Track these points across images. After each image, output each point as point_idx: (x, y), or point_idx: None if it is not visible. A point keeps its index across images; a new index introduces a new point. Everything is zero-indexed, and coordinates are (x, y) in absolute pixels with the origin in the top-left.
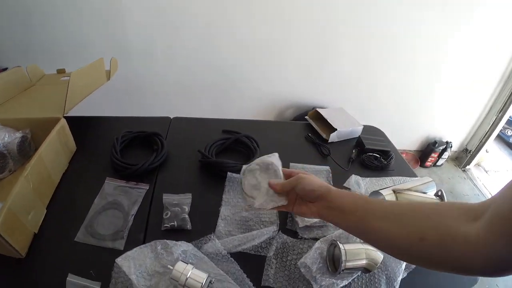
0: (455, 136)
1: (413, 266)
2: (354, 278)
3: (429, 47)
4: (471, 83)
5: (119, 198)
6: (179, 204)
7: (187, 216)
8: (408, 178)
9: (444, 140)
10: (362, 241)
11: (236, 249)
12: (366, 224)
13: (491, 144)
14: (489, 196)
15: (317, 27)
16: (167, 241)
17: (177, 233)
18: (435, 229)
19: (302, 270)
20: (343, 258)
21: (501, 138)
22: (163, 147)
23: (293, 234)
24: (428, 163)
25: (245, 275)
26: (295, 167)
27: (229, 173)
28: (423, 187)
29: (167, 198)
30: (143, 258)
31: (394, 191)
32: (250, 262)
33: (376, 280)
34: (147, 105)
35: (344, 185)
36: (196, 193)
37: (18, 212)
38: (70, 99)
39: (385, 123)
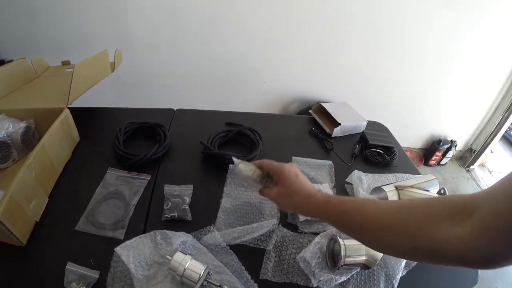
0: (460, 135)
1: (413, 264)
2: (353, 275)
3: (438, 45)
4: (477, 82)
5: (120, 188)
6: (180, 195)
7: (187, 207)
8: (411, 175)
9: (449, 139)
10: None
11: (236, 241)
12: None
13: (496, 145)
14: None
15: (324, 20)
16: (167, 231)
17: (177, 224)
18: (428, 236)
19: (301, 265)
20: (343, 253)
21: (506, 139)
22: (166, 138)
23: (293, 228)
24: (432, 162)
25: (243, 268)
26: (298, 160)
27: (231, 165)
28: (425, 185)
29: (168, 189)
30: (142, 248)
31: (397, 188)
32: (249, 255)
33: (375, 277)
34: (151, 97)
35: (347, 180)
36: (198, 184)
37: (20, 200)
38: (74, 90)
39: (390, 120)
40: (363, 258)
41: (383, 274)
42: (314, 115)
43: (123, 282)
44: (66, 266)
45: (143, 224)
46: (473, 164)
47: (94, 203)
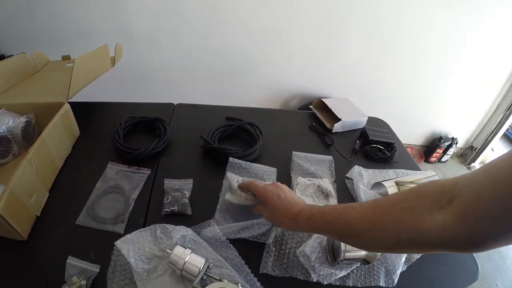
0: (461, 132)
1: (414, 260)
2: (353, 269)
3: (440, 43)
4: (479, 80)
5: (120, 182)
6: (180, 189)
7: (187, 201)
8: (411, 171)
9: (450, 136)
10: None
11: (235, 236)
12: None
13: (497, 143)
14: None
15: (325, 15)
16: (167, 225)
17: (177, 218)
18: (408, 229)
19: (301, 259)
20: (343, 248)
21: (507, 137)
22: (166, 133)
23: None
24: (432, 159)
25: (243, 262)
26: (298, 156)
27: (230, 158)
28: (425, 181)
29: (168, 183)
30: (142, 242)
31: (397, 183)
32: (249, 249)
33: (375, 272)
34: (151, 91)
35: (347, 175)
36: (198, 178)
37: (20, 195)
38: (74, 84)
39: (391, 116)
40: (363, 253)
41: (383, 269)
42: (315, 110)
43: (124, 276)
44: (67, 260)
45: (143, 218)
46: (473, 162)
47: (94, 197)
